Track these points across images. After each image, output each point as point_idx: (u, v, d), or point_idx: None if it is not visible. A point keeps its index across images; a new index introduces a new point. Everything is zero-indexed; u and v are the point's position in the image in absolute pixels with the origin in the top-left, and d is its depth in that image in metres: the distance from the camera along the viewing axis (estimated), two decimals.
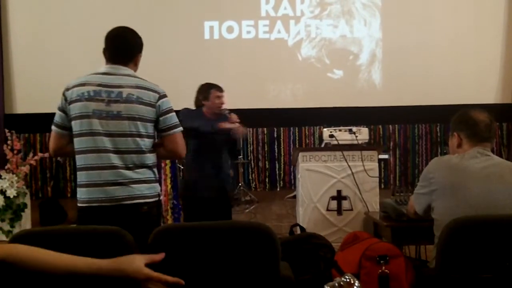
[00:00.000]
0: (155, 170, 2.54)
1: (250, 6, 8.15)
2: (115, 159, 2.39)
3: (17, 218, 5.30)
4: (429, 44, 7.97)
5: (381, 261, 2.62)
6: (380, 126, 8.28)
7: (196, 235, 2.04)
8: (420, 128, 8.29)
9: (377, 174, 4.13)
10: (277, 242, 2.01)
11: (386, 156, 7.19)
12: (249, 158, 8.24)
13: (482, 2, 8.10)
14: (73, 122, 2.42)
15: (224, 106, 4.03)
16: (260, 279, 1.99)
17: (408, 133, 8.31)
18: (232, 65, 7.93)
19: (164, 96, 2.49)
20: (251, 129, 8.21)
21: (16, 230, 5.22)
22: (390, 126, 8.32)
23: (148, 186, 2.46)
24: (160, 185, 4.75)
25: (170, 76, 7.60)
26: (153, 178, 2.50)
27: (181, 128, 2.54)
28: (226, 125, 3.89)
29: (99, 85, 2.41)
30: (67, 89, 2.45)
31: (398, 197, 3.09)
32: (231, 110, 4.03)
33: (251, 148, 8.29)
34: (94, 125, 2.39)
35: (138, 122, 2.41)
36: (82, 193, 2.43)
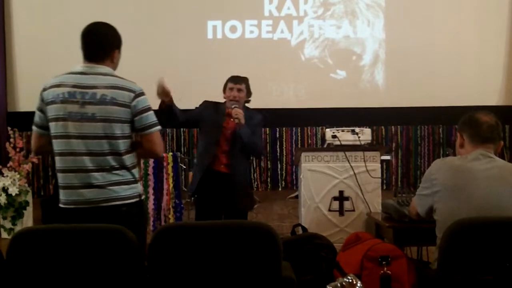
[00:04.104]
0: (135, 170, 2.48)
1: (253, 6, 8.14)
2: (88, 162, 2.35)
3: (19, 216, 5.31)
4: (432, 45, 7.95)
5: (383, 262, 2.62)
6: (383, 127, 8.27)
7: (198, 235, 2.04)
8: (423, 129, 8.27)
9: (379, 175, 4.12)
10: (279, 242, 2.01)
11: (388, 157, 7.19)
12: (251, 158, 8.23)
13: (485, 4, 8.08)
14: (50, 124, 2.40)
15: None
16: (262, 279, 1.99)
17: (410, 134, 8.29)
18: (234, 64, 7.90)
19: (140, 94, 2.41)
20: None
21: (18, 227, 5.23)
22: (393, 127, 8.30)
23: (126, 188, 2.41)
24: (161, 184, 4.77)
25: (172, 75, 7.57)
26: (132, 179, 2.45)
27: (158, 127, 2.47)
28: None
29: (74, 86, 2.37)
30: (44, 90, 2.42)
31: (400, 198, 3.09)
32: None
33: None
34: (69, 127, 2.36)
35: (113, 124, 2.36)
36: (61, 195, 2.42)
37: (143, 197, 2.57)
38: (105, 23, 2.51)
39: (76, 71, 2.43)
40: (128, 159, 2.43)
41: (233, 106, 3.66)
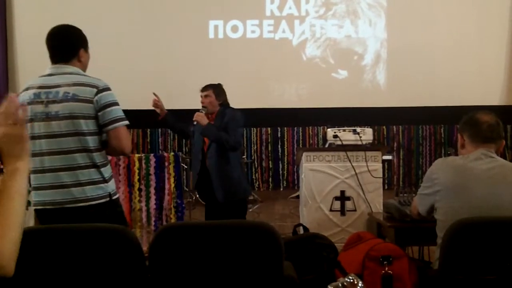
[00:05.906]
0: (104, 169, 2.43)
1: (255, 6, 8.15)
2: (55, 162, 2.35)
3: None
4: (434, 45, 7.96)
5: (385, 262, 2.61)
6: (384, 127, 8.27)
7: (199, 234, 2.04)
8: (424, 129, 8.28)
9: (380, 174, 4.12)
10: (280, 242, 2.00)
11: (389, 157, 7.18)
12: (253, 158, 8.24)
13: (487, 3, 8.08)
14: None
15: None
16: (264, 279, 1.99)
17: (412, 134, 8.30)
18: (236, 64, 7.93)
19: (104, 90, 2.39)
20: (255, 129, 8.21)
21: None
22: (394, 127, 8.31)
23: (94, 188, 2.38)
24: (163, 183, 4.77)
25: (174, 75, 7.61)
26: (100, 179, 2.40)
27: (125, 122, 2.42)
28: None
29: (40, 87, 2.39)
30: (17, 96, 2.45)
31: (401, 198, 3.09)
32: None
33: (255, 148, 8.28)
34: (35, 128, 2.36)
35: (78, 120, 2.34)
36: (33, 196, 2.43)
37: (114, 197, 2.48)
38: (68, 25, 2.54)
39: (44, 74, 2.46)
40: (98, 156, 2.41)
41: (201, 110, 3.91)
